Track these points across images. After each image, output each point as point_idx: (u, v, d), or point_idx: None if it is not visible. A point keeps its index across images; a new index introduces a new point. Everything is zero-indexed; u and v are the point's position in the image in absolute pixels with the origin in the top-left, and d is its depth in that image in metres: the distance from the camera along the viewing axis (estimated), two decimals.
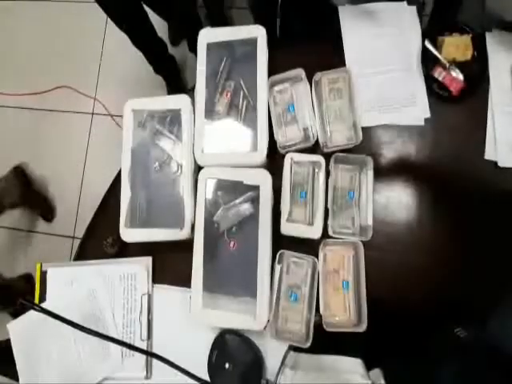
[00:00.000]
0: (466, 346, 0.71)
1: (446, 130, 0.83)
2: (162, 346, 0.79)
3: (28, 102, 1.85)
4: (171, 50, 1.68)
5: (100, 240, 0.82)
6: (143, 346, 0.77)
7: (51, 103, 1.84)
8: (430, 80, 0.84)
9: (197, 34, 0.85)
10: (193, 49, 1.68)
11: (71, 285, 0.81)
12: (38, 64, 1.91)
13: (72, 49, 1.89)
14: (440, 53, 0.84)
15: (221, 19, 1.77)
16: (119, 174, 0.83)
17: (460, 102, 0.83)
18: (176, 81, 1.75)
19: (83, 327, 0.56)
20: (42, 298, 0.82)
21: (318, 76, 0.82)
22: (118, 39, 1.42)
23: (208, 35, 0.85)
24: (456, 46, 0.83)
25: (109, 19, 1.31)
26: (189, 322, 0.75)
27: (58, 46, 1.91)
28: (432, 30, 0.85)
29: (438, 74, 0.83)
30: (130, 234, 0.80)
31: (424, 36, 0.85)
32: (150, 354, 0.69)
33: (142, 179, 0.83)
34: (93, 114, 1.82)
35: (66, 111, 1.84)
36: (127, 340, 0.78)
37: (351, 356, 0.73)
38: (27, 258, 1.68)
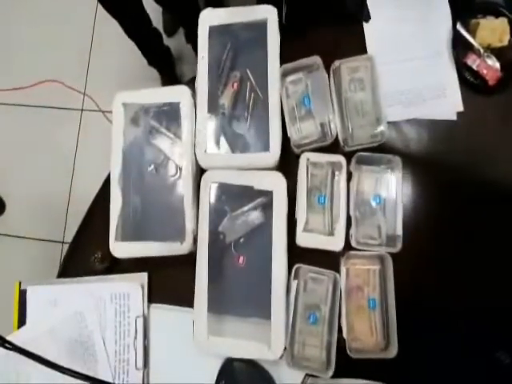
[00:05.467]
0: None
1: (480, 125, 0.75)
2: (161, 375, 0.70)
3: (12, 97, 1.74)
4: (166, 41, 1.59)
5: (87, 254, 0.72)
6: (139, 376, 0.68)
7: (37, 99, 1.73)
8: (462, 68, 0.75)
9: (194, 23, 0.76)
10: (190, 39, 1.57)
11: (55, 306, 0.71)
12: (21, 57, 1.80)
13: (59, 39, 1.78)
14: (473, 38, 0.74)
15: (220, 4, 1.66)
16: (109, 178, 0.73)
17: (497, 93, 0.74)
18: (171, 74, 1.66)
19: (65, 368, 0.47)
20: (22, 322, 0.72)
21: (336, 64, 0.72)
22: (108, 29, 1.33)
23: (210, 17, 0.75)
24: (491, 30, 0.74)
25: (99, 6, 1.19)
26: (191, 347, 0.66)
27: (44, 36, 1.80)
28: (464, 12, 0.76)
29: (472, 61, 0.74)
30: (121, 249, 0.70)
31: (455, 18, 0.76)
32: None
33: (135, 184, 0.74)
34: (82, 110, 1.72)
35: (53, 107, 1.73)
36: (120, 370, 0.68)
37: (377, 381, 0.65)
38: (14, 265, 1.57)
